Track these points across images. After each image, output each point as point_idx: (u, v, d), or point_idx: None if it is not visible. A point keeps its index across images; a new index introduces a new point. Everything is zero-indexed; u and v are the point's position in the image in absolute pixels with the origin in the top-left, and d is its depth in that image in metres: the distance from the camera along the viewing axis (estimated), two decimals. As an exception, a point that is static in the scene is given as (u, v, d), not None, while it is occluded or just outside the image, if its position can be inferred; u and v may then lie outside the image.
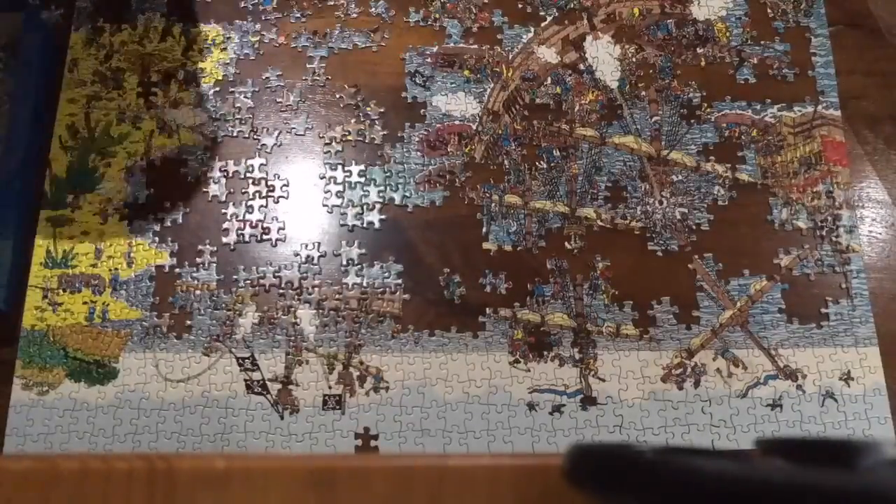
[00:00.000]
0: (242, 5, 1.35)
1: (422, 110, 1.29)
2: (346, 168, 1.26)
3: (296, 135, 1.28)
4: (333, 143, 1.27)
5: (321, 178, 1.26)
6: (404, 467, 0.59)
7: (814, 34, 1.33)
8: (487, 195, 1.24)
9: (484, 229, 1.23)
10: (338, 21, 1.34)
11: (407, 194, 1.24)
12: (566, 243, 1.22)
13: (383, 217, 1.23)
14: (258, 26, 1.34)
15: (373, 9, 1.35)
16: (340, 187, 1.25)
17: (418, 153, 1.27)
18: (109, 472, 0.56)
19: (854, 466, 0.42)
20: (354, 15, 1.35)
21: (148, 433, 1.12)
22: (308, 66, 1.32)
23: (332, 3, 1.35)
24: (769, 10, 1.34)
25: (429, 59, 1.32)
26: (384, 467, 0.58)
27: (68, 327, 1.18)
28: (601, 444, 0.49)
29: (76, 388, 1.15)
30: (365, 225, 1.23)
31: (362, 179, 1.25)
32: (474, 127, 1.28)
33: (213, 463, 0.57)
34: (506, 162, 1.26)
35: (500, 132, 1.28)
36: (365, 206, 1.24)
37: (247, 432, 1.13)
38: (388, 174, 1.26)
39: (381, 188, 1.25)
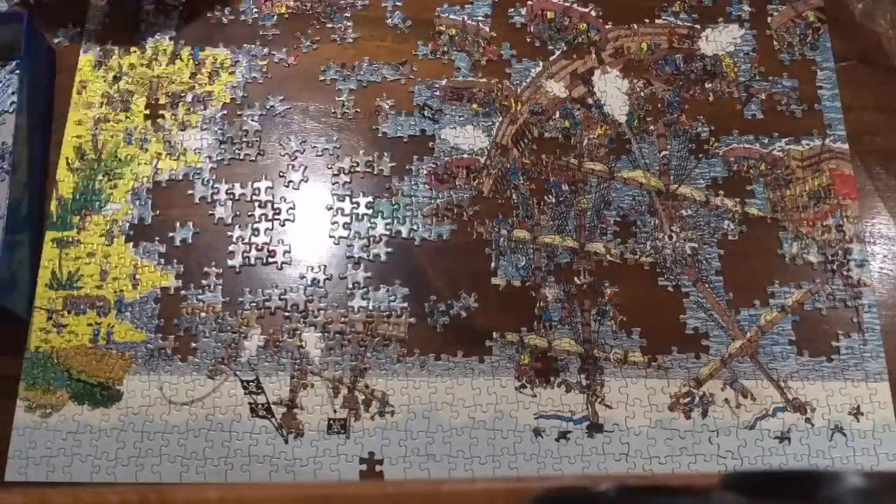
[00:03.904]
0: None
1: (430, 143, 1.46)
2: (354, 199, 1.42)
3: (304, 158, 1.46)
4: (342, 174, 1.44)
5: (328, 209, 1.42)
6: (399, 494, 0.66)
7: (819, 67, 1.50)
8: (496, 229, 1.40)
9: (493, 264, 1.38)
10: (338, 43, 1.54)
11: (414, 227, 1.40)
12: (576, 278, 1.37)
13: (389, 250, 1.39)
14: (266, 49, 1.52)
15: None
16: (348, 219, 1.41)
17: (426, 186, 1.43)
18: (101, 506, 0.62)
19: (814, 498, 0.48)
20: (350, 40, 1.54)
21: (151, 457, 1.26)
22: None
23: (332, 33, 1.55)
24: (775, 43, 1.52)
25: (437, 92, 1.50)
26: (379, 494, 0.66)
27: (73, 349, 1.33)
28: (561, 489, 0.56)
29: (80, 410, 1.29)
30: (371, 257, 1.39)
31: (370, 211, 1.42)
32: (483, 160, 1.45)
33: (206, 493, 0.64)
34: (514, 196, 1.42)
35: (508, 166, 1.45)
36: (371, 239, 1.40)
37: (251, 456, 1.27)
38: (395, 207, 1.42)
39: (389, 221, 1.41)
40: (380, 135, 1.47)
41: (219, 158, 1.45)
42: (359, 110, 1.49)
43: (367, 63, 1.53)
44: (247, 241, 1.40)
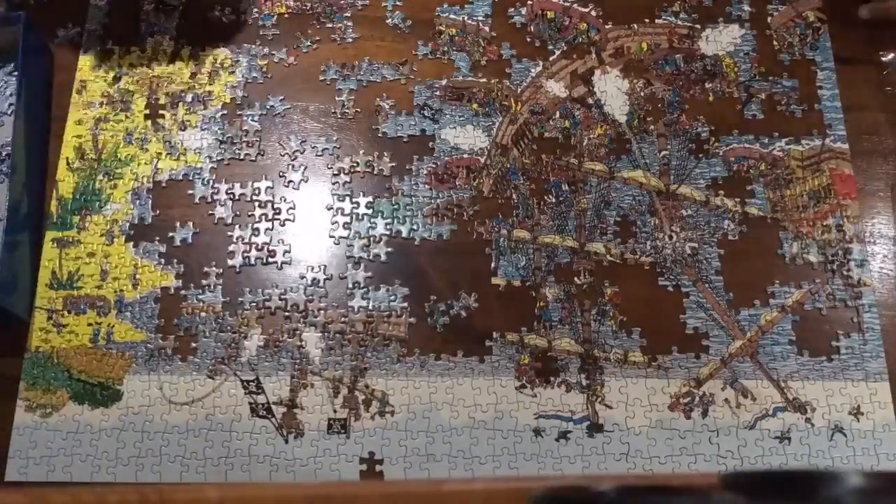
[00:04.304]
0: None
1: (430, 143, 1.46)
2: (354, 199, 1.42)
3: (304, 158, 1.46)
4: (342, 174, 1.44)
5: (328, 209, 1.42)
6: (400, 493, 0.66)
7: (819, 67, 1.50)
8: (496, 229, 1.40)
9: (493, 264, 1.38)
10: (337, 43, 1.54)
11: (414, 227, 1.40)
12: (576, 278, 1.37)
13: (390, 250, 1.39)
14: (266, 49, 1.52)
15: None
16: (348, 218, 1.41)
17: (426, 186, 1.43)
18: (101, 505, 0.60)
19: (814, 498, 0.48)
20: (350, 40, 1.54)
21: (151, 457, 1.27)
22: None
23: (331, 30, 1.55)
24: (775, 43, 1.52)
25: (437, 92, 1.50)
26: (380, 494, 0.66)
27: (73, 349, 1.33)
28: (561, 489, 0.55)
29: (80, 410, 1.29)
30: (371, 257, 1.39)
31: (370, 211, 1.42)
32: (483, 160, 1.45)
33: (206, 493, 0.65)
34: (514, 196, 1.42)
35: (508, 166, 1.45)
36: (371, 239, 1.40)
37: (251, 456, 1.27)
38: (395, 207, 1.42)
39: (389, 221, 1.41)
40: (380, 135, 1.47)
41: (219, 158, 1.45)
42: (359, 110, 1.49)
43: (367, 63, 1.53)
44: (247, 240, 1.40)
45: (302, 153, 1.46)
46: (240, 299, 1.36)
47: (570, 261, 1.39)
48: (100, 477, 1.26)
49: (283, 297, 1.36)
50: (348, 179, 1.45)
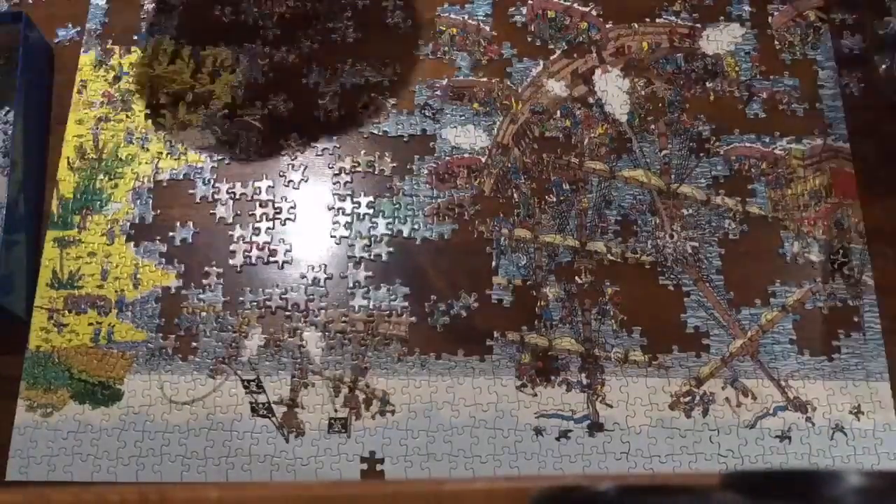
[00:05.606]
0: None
1: (431, 143, 1.46)
2: (355, 199, 1.42)
3: (304, 158, 1.46)
4: (343, 174, 1.44)
5: (329, 209, 1.42)
6: (400, 493, 0.65)
7: (821, 67, 1.50)
8: (497, 228, 1.40)
9: (494, 263, 1.38)
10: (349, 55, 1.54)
11: (415, 227, 1.40)
12: (576, 277, 1.37)
13: (391, 250, 1.39)
14: (267, 49, 1.53)
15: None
16: (349, 218, 1.41)
17: (427, 186, 1.43)
18: (102, 505, 0.61)
19: (815, 498, 0.47)
20: (350, 40, 1.55)
21: (152, 456, 1.27)
22: (320, 102, 1.50)
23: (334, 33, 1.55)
24: (776, 42, 1.52)
25: (438, 92, 1.50)
26: (380, 493, 0.66)
27: (73, 349, 1.33)
28: (561, 488, 0.55)
29: (81, 409, 1.30)
30: (372, 257, 1.39)
31: (371, 211, 1.42)
32: (483, 160, 1.45)
33: (207, 493, 0.64)
34: (515, 195, 1.42)
35: (509, 165, 1.44)
36: (373, 238, 1.40)
37: (251, 455, 1.27)
38: (396, 206, 1.42)
39: (390, 220, 1.41)
40: (380, 134, 1.47)
41: (219, 158, 1.45)
42: (360, 110, 1.49)
43: (368, 63, 1.52)
44: (248, 240, 1.40)
45: (302, 153, 1.46)
46: (240, 299, 1.36)
47: (571, 260, 1.39)
48: (100, 476, 1.26)
49: (283, 296, 1.36)
50: (349, 179, 1.44)
